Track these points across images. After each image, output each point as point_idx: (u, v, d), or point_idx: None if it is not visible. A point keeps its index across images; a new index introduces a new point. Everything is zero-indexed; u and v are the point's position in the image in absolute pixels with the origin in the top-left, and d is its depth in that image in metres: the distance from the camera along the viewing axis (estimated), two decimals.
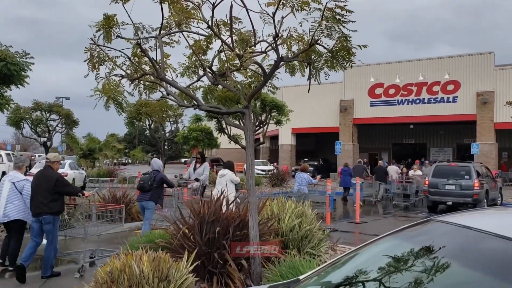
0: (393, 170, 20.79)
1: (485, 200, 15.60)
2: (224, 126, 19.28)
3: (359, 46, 5.05)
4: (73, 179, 19.47)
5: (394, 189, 18.65)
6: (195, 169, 12.17)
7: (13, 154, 25.56)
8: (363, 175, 19.23)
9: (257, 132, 20.17)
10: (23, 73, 15.64)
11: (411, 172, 19.99)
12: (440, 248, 2.17)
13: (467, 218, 2.50)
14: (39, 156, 40.22)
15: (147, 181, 9.00)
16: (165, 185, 9.42)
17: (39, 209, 6.65)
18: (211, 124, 23.05)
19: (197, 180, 11.55)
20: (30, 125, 29.11)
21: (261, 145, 36.81)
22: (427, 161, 26.43)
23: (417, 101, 31.05)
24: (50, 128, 30.21)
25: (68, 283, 6.19)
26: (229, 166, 10.89)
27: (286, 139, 38.08)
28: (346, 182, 18.71)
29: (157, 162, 9.76)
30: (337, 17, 4.68)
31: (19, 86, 16.04)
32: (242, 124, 6.25)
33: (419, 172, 20.20)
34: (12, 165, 7.32)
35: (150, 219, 8.86)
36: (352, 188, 17.95)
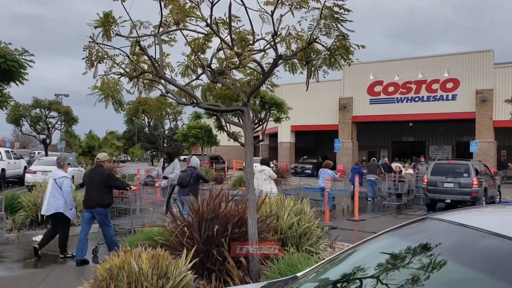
0: (395, 168, 20.81)
1: (483, 198, 15.65)
2: (224, 123, 19.28)
3: (357, 45, 5.06)
4: (72, 176, 19.43)
5: (385, 188, 17.66)
6: (164, 168, 11.55)
7: (12, 151, 25.56)
8: (377, 172, 19.32)
9: (256, 130, 20.17)
10: (22, 70, 15.63)
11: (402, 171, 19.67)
12: (436, 246, 2.19)
13: (463, 216, 2.53)
14: (38, 153, 40.21)
15: (185, 178, 10.16)
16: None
17: (91, 202, 7.61)
18: (211, 122, 23.04)
19: (165, 178, 10.91)
20: (29, 122, 29.09)
21: (260, 143, 36.82)
22: (422, 160, 26.17)
23: (416, 99, 31.06)
24: (50, 126, 30.19)
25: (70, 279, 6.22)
26: (266, 162, 12.18)
27: (285, 136, 38.09)
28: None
29: (195, 160, 10.96)
30: (336, 15, 4.69)
31: (18, 83, 16.03)
32: (241, 122, 6.27)
33: (410, 171, 19.81)
34: (50, 163, 7.80)
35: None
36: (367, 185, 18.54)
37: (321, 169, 15.68)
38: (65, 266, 7.34)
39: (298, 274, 2.80)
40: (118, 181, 8.36)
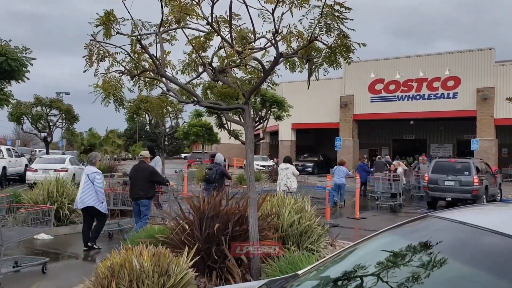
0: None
1: (484, 196, 15.65)
2: (224, 121, 19.28)
3: (358, 44, 5.07)
4: (74, 174, 19.48)
5: (379, 188, 16.78)
6: None
7: (13, 149, 25.58)
8: (384, 170, 19.28)
9: (257, 128, 20.17)
10: (23, 68, 15.62)
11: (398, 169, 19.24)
12: (436, 244, 2.20)
13: (464, 214, 2.53)
14: (39, 151, 40.26)
15: (211, 175, 11.04)
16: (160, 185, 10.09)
17: (137, 194, 8.54)
18: (211, 120, 23.06)
19: None
20: (30, 120, 29.12)
21: (261, 141, 36.82)
22: (421, 157, 25.66)
23: (417, 97, 31.04)
24: (51, 124, 30.21)
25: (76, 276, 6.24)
26: (289, 160, 13.16)
27: (286, 134, 38.08)
28: (362, 178, 18.50)
29: (219, 157, 11.64)
30: (336, 14, 4.69)
31: (19, 81, 16.03)
32: (242, 120, 6.27)
33: (400, 169, 18.71)
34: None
35: None
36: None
37: (336, 167, 16.24)
38: (67, 264, 7.37)
39: (299, 272, 2.81)
40: (160, 177, 9.34)
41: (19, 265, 6.67)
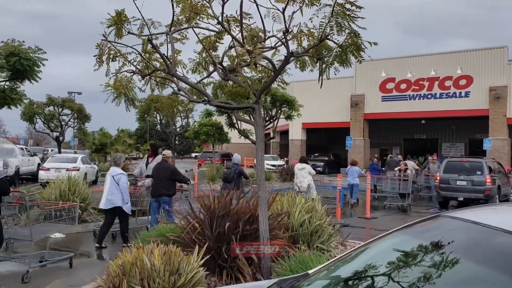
0: (410, 165, 20.65)
1: (497, 196, 15.48)
2: (235, 121, 19.30)
3: (369, 42, 5.04)
4: (85, 173, 19.63)
5: (387, 188, 16.58)
6: (147, 164, 10.56)
7: (26, 148, 25.84)
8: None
9: (267, 127, 20.16)
10: (35, 68, 15.77)
11: (396, 168, 18.63)
12: (449, 243, 2.18)
13: (476, 214, 2.51)
14: (51, 150, 40.64)
15: (229, 174, 11.51)
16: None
17: (159, 191, 8.87)
18: (222, 119, 23.10)
19: (149, 176, 9.85)
20: (43, 120, 29.41)
21: (271, 140, 36.78)
22: (430, 157, 25.07)
23: (429, 96, 30.80)
24: (63, 123, 30.49)
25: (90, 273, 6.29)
26: (305, 160, 13.77)
27: (296, 134, 38.01)
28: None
29: (237, 157, 12.27)
30: (347, 13, 4.67)
31: (32, 81, 16.18)
32: (252, 119, 6.27)
33: (411, 166, 18.47)
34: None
35: None
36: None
37: (349, 167, 16.34)
38: (79, 262, 7.42)
39: (310, 272, 2.80)
40: (181, 176, 9.69)
41: (46, 260, 6.88)
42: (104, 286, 4.44)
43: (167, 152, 9.93)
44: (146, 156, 11.13)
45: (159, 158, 10.51)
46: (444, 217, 2.51)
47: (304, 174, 12.94)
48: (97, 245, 8.41)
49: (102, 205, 8.52)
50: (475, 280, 1.93)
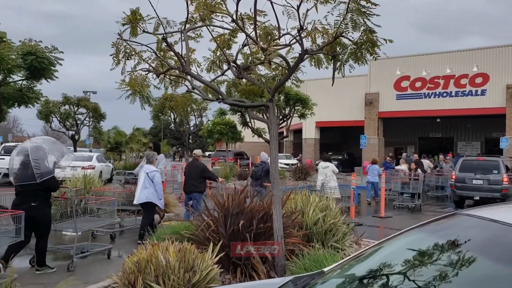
0: (426, 164, 20.46)
1: None
2: (248, 119, 19.32)
3: (384, 39, 5.00)
4: (100, 171, 19.81)
5: (397, 188, 15.85)
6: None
7: None
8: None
9: (280, 126, 20.14)
10: (52, 67, 15.98)
11: (397, 167, 18.14)
12: (467, 241, 2.15)
13: (494, 212, 2.47)
14: (67, 149, 41.03)
15: (257, 172, 12.32)
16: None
17: (190, 188, 9.51)
18: (235, 118, 23.15)
19: None
20: (58, 118, 29.76)
21: (284, 139, 36.74)
22: (441, 156, 24.22)
23: (444, 94, 30.45)
24: (78, 122, 30.82)
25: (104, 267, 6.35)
26: (328, 159, 14.26)
27: (310, 132, 37.88)
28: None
29: (264, 156, 12.81)
30: (362, 10, 4.64)
31: (48, 80, 16.39)
32: (266, 118, 6.27)
33: (403, 167, 17.75)
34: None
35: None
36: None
37: (369, 165, 16.57)
38: (94, 259, 7.49)
39: (325, 269, 2.79)
40: (210, 173, 10.36)
41: (88, 251, 7.40)
42: (120, 282, 4.48)
43: (198, 152, 10.54)
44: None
45: (161, 157, 10.27)
46: (461, 215, 2.48)
47: (328, 172, 13.29)
48: (139, 241, 8.26)
49: (136, 201, 8.75)
50: (495, 278, 1.90)
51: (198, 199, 9.42)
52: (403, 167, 17.92)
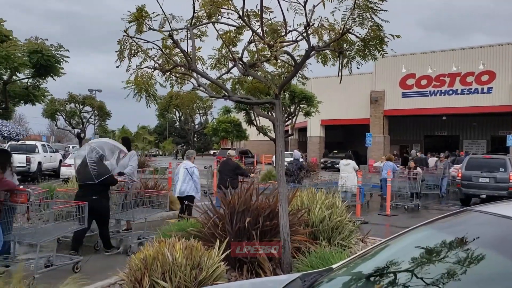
0: (433, 162, 20.32)
1: None
2: (253, 117, 19.28)
3: (392, 35, 4.96)
4: None
5: (395, 187, 15.18)
6: (118, 160, 9.29)
7: (48, 145, 26.25)
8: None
9: (285, 124, 20.10)
10: (58, 65, 16.02)
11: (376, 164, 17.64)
12: (478, 238, 2.13)
13: (504, 208, 2.44)
14: (72, 147, 41.23)
15: (291, 168, 13.97)
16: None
17: (224, 184, 9.26)
18: (240, 116, 23.13)
19: (120, 174, 8.90)
20: (64, 117, 29.87)
21: (289, 137, 36.64)
22: (439, 154, 23.33)
23: (450, 92, 30.32)
24: (84, 120, 30.92)
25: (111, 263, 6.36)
26: (350, 156, 15.08)
27: (315, 131, 37.83)
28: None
29: (297, 154, 15.47)
30: (370, 5, 4.61)
31: (54, 77, 16.44)
32: (271, 115, 6.25)
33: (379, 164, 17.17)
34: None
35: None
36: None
37: (384, 162, 16.57)
38: (100, 256, 7.51)
39: (333, 266, 2.78)
40: (243, 170, 11.41)
41: (144, 238, 8.04)
42: (127, 279, 4.48)
43: (232, 152, 12.12)
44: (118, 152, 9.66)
45: (131, 154, 9.46)
46: (471, 211, 2.45)
47: (349, 169, 13.99)
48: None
49: (176, 193, 9.50)
50: (509, 275, 1.87)
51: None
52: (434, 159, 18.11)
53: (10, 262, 6.17)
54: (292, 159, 34.95)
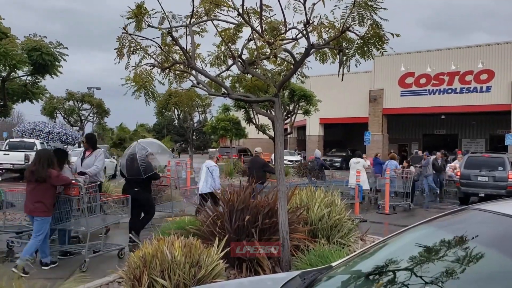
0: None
1: None
2: (252, 116, 19.28)
3: (391, 34, 4.95)
4: (105, 167, 19.79)
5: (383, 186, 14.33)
6: (83, 159, 8.37)
7: (47, 142, 26.16)
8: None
9: (284, 122, 20.08)
10: (56, 63, 15.99)
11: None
12: (478, 236, 2.12)
13: (506, 206, 2.43)
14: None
15: (313, 166, 15.17)
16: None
17: (256, 180, 9.96)
18: (239, 114, 23.10)
19: (81, 174, 8.02)
20: (63, 114, 29.83)
21: (288, 136, 36.66)
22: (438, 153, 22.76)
23: (449, 91, 30.34)
24: (82, 118, 30.90)
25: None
26: (360, 155, 15.87)
27: (314, 129, 37.84)
28: (377, 172, 18.30)
29: (318, 152, 16.06)
30: (370, 3, 4.60)
31: (53, 75, 16.41)
32: (270, 113, 6.24)
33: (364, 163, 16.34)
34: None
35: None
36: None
37: (387, 161, 16.31)
38: (99, 254, 7.49)
39: (333, 264, 2.77)
40: (271, 168, 11.52)
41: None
42: (125, 277, 4.47)
43: (259, 149, 12.51)
44: (83, 150, 8.80)
45: (97, 153, 8.51)
46: (472, 209, 2.44)
47: (359, 167, 14.40)
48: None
49: (200, 190, 10.14)
50: (508, 274, 1.86)
51: (259, 189, 10.38)
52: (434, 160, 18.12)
53: (72, 248, 7.11)
54: (297, 158, 35.61)
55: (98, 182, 7.98)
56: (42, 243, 6.38)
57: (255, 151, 12.48)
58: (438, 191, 18.63)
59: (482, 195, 15.22)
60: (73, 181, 6.86)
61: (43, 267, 6.36)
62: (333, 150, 37.31)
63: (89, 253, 6.64)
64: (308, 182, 13.87)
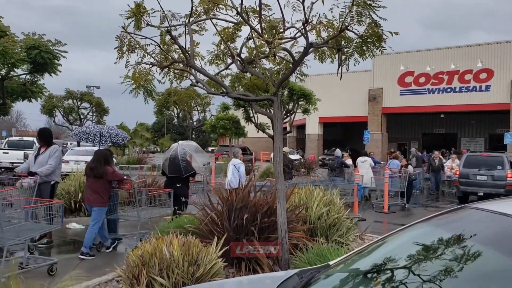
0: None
1: None
2: (252, 114, 19.28)
3: (390, 32, 4.96)
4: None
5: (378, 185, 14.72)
6: (37, 156, 7.61)
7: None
8: (421, 164, 18.84)
9: (284, 121, 20.07)
10: (56, 61, 15.97)
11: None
12: (476, 235, 2.12)
13: (503, 205, 2.44)
14: (70, 143, 41.16)
15: (333, 164, 14.80)
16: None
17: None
18: (238, 113, 23.10)
19: (31, 174, 7.12)
20: (62, 113, 29.81)
21: (287, 134, 36.64)
22: (464, 152, 22.67)
23: (448, 90, 30.33)
24: (82, 116, 30.87)
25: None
26: (366, 154, 16.28)
27: (313, 128, 37.84)
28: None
29: (338, 152, 15.51)
30: (368, 2, 4.60)
31: (52, 74, 16.39)
32: (269, 112, 6.24)
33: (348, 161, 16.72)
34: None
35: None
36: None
37: (390, 160, 16.73)
38: (98, 253, 7.50)
39: (331, 263, 2.77)
40: (293, 165, 12.52)
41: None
42: (124, 276, 4.48)
43: (286, 149, 13.35)
44: (38, 147, 7.94)
45: (53, 149, 7.59)
46: (470, 208, 2.45)
47: (366, 166, 14.88)
48: None
49: (227, 186, 10.32)
50: (507, 272, 1.86)
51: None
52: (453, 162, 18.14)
53: (118, 236, 7.95)
54: (297, 157, 35.72)
55: (52, 182, 7.43)
56: (102, 230, 7.27)
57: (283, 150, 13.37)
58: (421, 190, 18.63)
59: (481, 194, 15.23)
60: (125, 177, 7.72)
61: (107, 250, 7.40)
62: (332, 149, 37.25)
63: (138, 240, 7.04)
64: (326, 180, 13.96)
